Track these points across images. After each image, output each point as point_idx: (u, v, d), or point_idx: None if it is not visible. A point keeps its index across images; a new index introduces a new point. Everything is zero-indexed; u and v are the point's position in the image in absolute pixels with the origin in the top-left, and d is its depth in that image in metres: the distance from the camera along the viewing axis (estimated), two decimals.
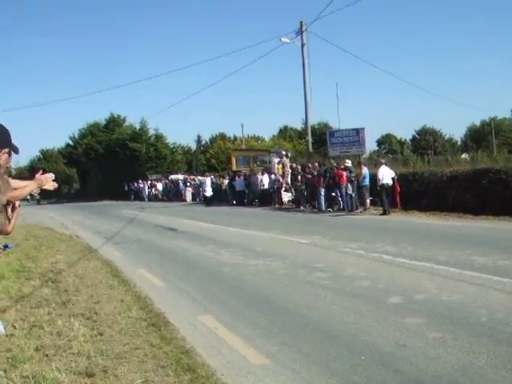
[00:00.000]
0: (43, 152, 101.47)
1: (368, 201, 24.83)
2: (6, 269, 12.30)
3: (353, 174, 25.65)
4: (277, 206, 32.45)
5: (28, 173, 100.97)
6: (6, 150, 4.36)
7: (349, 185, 25.59)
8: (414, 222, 19.97)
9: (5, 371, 5.86)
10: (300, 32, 36.40)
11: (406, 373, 5.63)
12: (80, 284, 10.97)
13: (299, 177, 30.32)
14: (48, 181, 6.56)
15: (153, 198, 54.59)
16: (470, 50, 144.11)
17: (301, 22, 36.43)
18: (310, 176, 28.84)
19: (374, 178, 24.22)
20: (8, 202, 5.65)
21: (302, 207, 29.72)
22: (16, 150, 5.69)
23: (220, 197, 40.89)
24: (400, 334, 6.85)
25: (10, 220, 6.08)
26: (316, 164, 30.07)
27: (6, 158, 4.45)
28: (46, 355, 6.44)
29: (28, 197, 9.56)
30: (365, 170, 24.98)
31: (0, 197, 5.22)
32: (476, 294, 8.63)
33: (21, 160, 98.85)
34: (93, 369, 5.87)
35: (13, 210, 6.00)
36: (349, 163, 26.68)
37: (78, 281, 11.33)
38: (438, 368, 5.68)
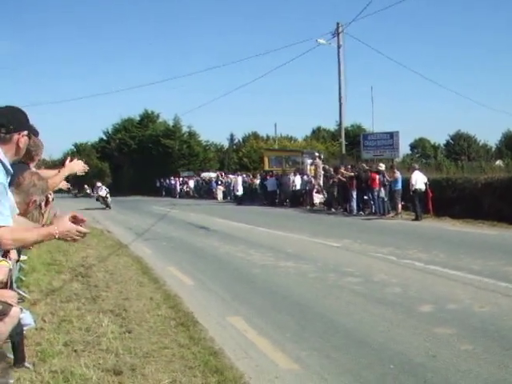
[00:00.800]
0: (76, 145, 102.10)
1: (400, 205, 24.63)
2: (36, 261, 12.42)
3: (386, 178, 25.45)
4: (308, 207, 32.34)
5: (61, 165, 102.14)
6: (25, 132, 4.37)
7: (381, 188, 25.42)
8: (446, 229, 19.76)
9: (33, 365, 5.90)
10: (336, 33, 36.22)
11: None
12: (110, 280, 11.03)
13: (331, 179, 30.16)
14: (79, 166, 6.61)
15: (184, 195, 54.72)
16: (508, 56, 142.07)
17: (337, 24, 36.25)
18: (342, 178, 28.68)
19: (406, 182, 24.02)
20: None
21: (333, 209, 29.58)
22: (35, 133, 5.71)
23: (251, 196, 40.88)
24: (430, 345, 6.78)
25: (43, 215, 6.13)
26: (349, 166, 29.92)
27: (26, 141, 4.45)
28: (75, 351, 6.48)
29: (65, 189, 9.63)
30: (398, 174, 24.78)
31: (41, 197, 5.27)
32: (510, 306, 8.51)
33: (54, 153, 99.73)
34: (121, 367, 5.89)
35: (46, 203, 6.05)
36: (382, 167, 26.49)
37: (108, 276, 11.39)
38: (470, 381, 5.60)
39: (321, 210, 31.06)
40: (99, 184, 42.21)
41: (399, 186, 24.48)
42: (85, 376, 5.58)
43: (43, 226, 6.10)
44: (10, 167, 4.08)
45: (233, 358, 6.54)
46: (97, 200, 39.38)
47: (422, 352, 6.52)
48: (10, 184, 4.56)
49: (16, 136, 4.15)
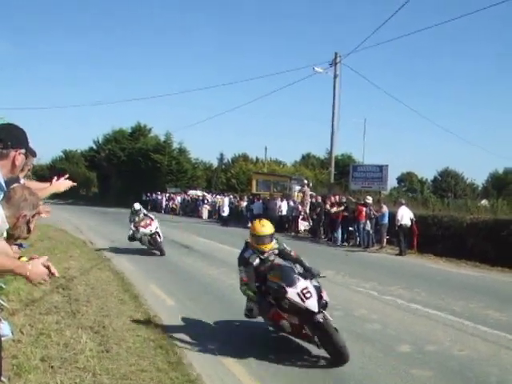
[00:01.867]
0: (66, 152, 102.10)
1: (385, 239, 24.68)
2: None
3: (372, 211, 25.52)
4: (293, 233, 32.32)
5: (48, 171, 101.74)
6: (22, 150, 4.38)
7: (367, 221, 25.47)
8: (429, 267, 19.77)
9: (9, 379, 5.83)
10: (334, 63, 36.46)
11: None
12: (91, 294, 10.98)
13: (319, 207, 30.19)
14: (65, 185, 6.64)
15: (169, 211, 54.55)
16: (497, 99, 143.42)
17: (335, 54, 36.51)
18: (329, 208, 28.72)
19: (392, 216, 24.09)
20: None
21: (318, 238, 29.56)
22: (33, 153, 5.71)
23: (237, 217, 40.83)
24: None
25: (30, 230, 6.11)
26: (336, 197, 29.98)
27: (22, 159, 4.47)
28: (52, 367, 6.43)
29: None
30: (384, 209, 24.86)
31: (32, 212, 5.24)
32: (488, 351, 8.51)
33: (42, 158, 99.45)
34: None
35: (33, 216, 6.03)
36: (369, 200, 26.57)
37: (90, 291, 11.34)
38: None
39: (305, 237, 31.04)
40: (138, 207, 21.99)
41: (386, 220, 24.54)
42: None
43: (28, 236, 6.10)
44: (3, 184, 4.08)
45: None
46: (133, 239, 19.88)
47: None
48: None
49: (13, 153, 4.16)
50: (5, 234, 5.10)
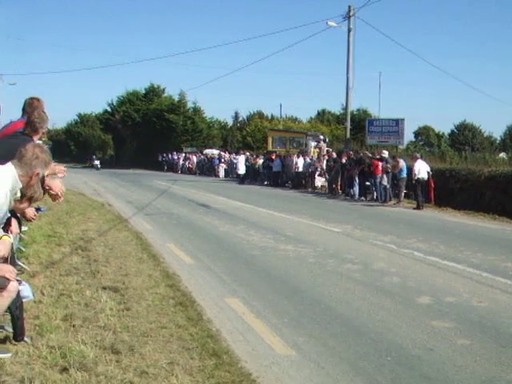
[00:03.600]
0: (80, 116, 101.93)
1: (403, 194, 24.56)
2: (37, 232, 12.40)
3: (389, 165, 25.37)
4: (310, 189, 32.31)
5: (64, 135, 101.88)
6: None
7: (384, 175, 25.34)
8: (447, 220, 19.73)
9: (31, 339, 5.89)
10: (348, 17, 35.99)
11: (432, 379, 5.57)
12: (110, 255, 11.01)
13: (334, 162, 30.09)
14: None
15: (186, 171, 54.62)
16: None
17: (349, 7, 36.02)
18: (345, 163, 28.61)
19: (409, 170, 23.97)
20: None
21: (335, 193, 29.52)
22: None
23: (253, 176, 40.79)
24: (428, 337, 6.79)
25: (46, 190, 6.14)
26: (352, 152, 29.82)
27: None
28: (73, 326, 6.47)
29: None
30: (402, 163, 24.67)
31: (44, 170, 5.24)
32: (507, 302, 8.51)
33: (58, 122, 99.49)
34: (118, 345, 5.88)
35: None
36: (385, 154, 26.42)
37: (108, 251, 11.38)
38: (466, 377, 5.61)
39: (322, 193, 31.03)
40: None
41: (403, 174, 24.38)
42: (83, 353, 5.57)
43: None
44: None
45: (230, 340, 6.54)
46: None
47: (418, 344, 6.53)
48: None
49: None
50: (18, 194, 5.12)
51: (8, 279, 5.01)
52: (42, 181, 5.77)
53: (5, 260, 5.22)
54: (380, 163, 25.66)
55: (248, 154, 46.05)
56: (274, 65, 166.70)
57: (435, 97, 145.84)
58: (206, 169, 52.12)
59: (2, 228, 5.37)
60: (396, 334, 6.93)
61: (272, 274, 10.26)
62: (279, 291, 8.99)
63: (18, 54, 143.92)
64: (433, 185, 23.47)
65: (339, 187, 29.54)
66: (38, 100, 7.75)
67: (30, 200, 5.63)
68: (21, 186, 4.97)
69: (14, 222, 6.04)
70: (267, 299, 8.50)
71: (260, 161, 41.09)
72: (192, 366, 5.55)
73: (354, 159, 28.32)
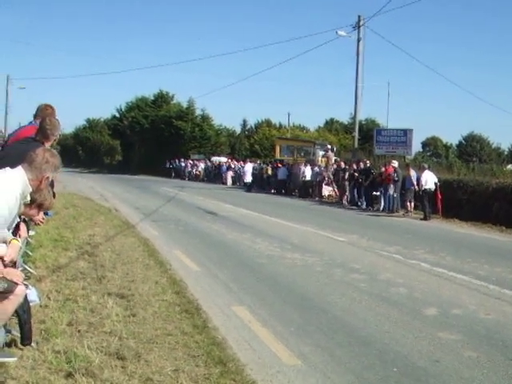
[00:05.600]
0: (89, 121, 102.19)
1: (411, 204, 24.40)
2: (44, 237, 12.44)
3: (398, 175, 25.31)
4: (317, 198, 32.27)
5: (72, 140, 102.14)
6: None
7: (392, 185, 25.29)
8: (454, 231, 19.70)
9: (37, 343, 5.90)
10: (357, 26, 36.03)
11: None
12: (116, 260, 11.03)
13: (342, 172, 30.08)
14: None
15: (193, 178, 54.63)
16: None
17: (359, 17, 36.07)
18: (353, 172, 28.59)
19: (417, 181, 23.91)
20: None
21: (342, 202, 29.48)
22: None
23: (261, 184, 40.78)
24: (434, 349, 6.76)
25: (54, 194, 6.18)
26: (361, 162, 29.77)
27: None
28: (79, 331, 6.48)
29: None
30: (413, 173, 24.55)
31: (54, 174, 5.27)
32: None
33: (66, 127, 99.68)
34: (124, 351, 5.88)
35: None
36: (395, 164, 26.38)
37: (115, 257, 11.39)
38: None
39: (329, 202, 30.99)
40: None
41: (411, 185, 24.25)
42: (88, 359, 5.57)
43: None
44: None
45: (236, 348, 6.54)
46: None
47: (425, 356, 6.50)
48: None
49: None
50: (28, 198, 5.14)
51: (16, 283, 5.03)
52: (52, 185, 5.80)
53: (13, 264, 5.25)
54: (391, 172, 25.55)
55: (256, 162, 46.10)
56: (282, 73, 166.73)
57: (444, 107, 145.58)
58: (214, 176, 52.15)
59: (12, 232, 5.38)
60: (402, 345, 6.90)
61: (278, 282, 10.25)
62: (286, 300, 8.97)
63: (26, 59, 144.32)
64: (440, 196, 23.40)
65: (346, 197, 29.53)
66: (50, 107, 7.79)
67: (40, 207, 5.66)
68: (31, 190, 4.99)
69: (22, 226, 6.06)
70: (274, 308, 8.49)
71: (270, 169, 40.97)
72: (197, 373, 5.54)
73: (362, 169, 28.28)
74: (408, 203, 24.42)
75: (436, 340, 7.10)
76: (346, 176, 29.47)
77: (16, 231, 5.63)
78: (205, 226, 18.16)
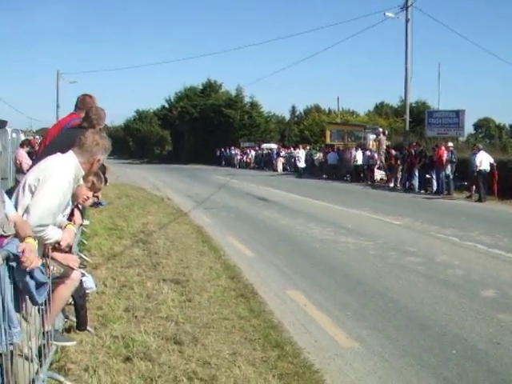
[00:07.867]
0: (139, 112, 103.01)
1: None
2: (98, 226, 12.62)
3: (454, 157, 24.83)
4: (369, 182, 31.99)
5: (123, 131, 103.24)
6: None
7: (448, 167, 24.83)
8: (509, 212, 19.29)
9: (95, 329, 6.00)
10: (405, 7, 35.47)
11: (500, 374, 5.45)
12: (170, 247, 11.13)
13: (394, 155, 29.73)
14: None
15: (244, 166, 54.69)
16: None
17: None
18: (406, 155, 28.24)
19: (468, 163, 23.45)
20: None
21: (394, 186, 29.17)
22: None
23: (312, 169, 40.62)
24: (494, 331, 6.63)
25: (106, 181, 6.28)
26: (413, 143, 29.35)
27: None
28: (135, 317, 6.56)
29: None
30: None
31: (105, 156, 5.31)
32: None
33: (116, 120, 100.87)
34: (181, 336, 5.92)
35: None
36: (451, 144, 25.91)
37: (169, 244, 11.49)
38: None
39: (381, 186, 30.67)
40: None
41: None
42: (145, 343, 5.64)
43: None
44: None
45: (292, 332, 6.54)
46: None
47: (484, 338, 6.39)
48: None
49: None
50: (81, 181, 5.21)
51: (72, 268, 5.09)
52: (104, 171, 5.86)
53: (69, 249, 5.31)
54: (445, 154, 25.07)
55: (308, 147, 45.94)
56: (331, 58, 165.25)
57: (494, 87, 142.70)
58: (264, 163, 52.08)
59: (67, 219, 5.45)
60: (461, 327, 6.79)
61: (333, 266, 10.20)
62: (341, 284, 8.92)
63: (77, 53, 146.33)
64: (497, 177, 22.88)
65: (399, 180, 29.20)
66: (90, 96, 7.82)
67: (92, 189, 5.79)
68: (83, 173, 5.03)
69: (76, 212, 6.13)
70: (329, 291, 8.45)
71: (321, 154, 40.72)
72: (255, 356, 5.55)
73: (415, 151, 27.86)
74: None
75: (495, 322, 6.97)
76: (399, 160, 29.12)
77: (71, 218, 5.69)
78: (257, 212, 18.17)
